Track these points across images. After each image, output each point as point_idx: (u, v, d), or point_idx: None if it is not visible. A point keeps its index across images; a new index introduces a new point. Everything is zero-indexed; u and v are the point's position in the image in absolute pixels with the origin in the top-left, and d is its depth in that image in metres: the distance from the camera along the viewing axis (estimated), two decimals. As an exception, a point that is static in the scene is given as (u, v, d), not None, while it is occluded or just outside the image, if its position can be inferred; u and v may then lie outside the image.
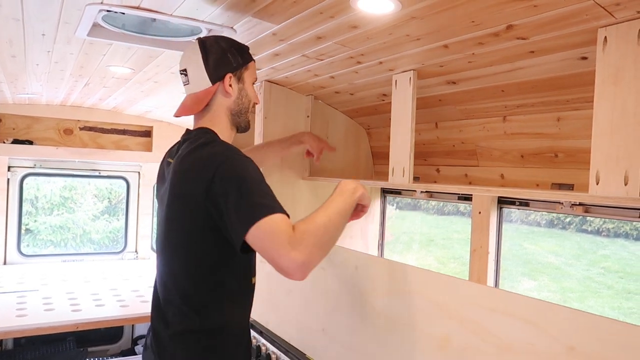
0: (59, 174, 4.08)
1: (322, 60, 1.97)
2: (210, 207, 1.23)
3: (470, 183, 2.23)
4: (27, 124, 3.79)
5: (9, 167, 3.76)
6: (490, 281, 2.07)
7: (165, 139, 3.92)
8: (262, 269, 2.34)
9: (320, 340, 1.83)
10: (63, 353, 3.10)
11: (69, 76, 2.66)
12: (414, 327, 1.43)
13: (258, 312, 2.28)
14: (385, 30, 1.55)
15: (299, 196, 2.65)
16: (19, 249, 3.85)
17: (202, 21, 1.64)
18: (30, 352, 3.04)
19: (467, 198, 2.27)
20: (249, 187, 1.21)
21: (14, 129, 3.74)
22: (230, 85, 1.42)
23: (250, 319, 2.29)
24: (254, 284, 1.49)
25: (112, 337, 3.64)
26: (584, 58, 1.44)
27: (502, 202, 2.08)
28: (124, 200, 4.30)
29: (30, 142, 3.75)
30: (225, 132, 1.45)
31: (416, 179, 2.44)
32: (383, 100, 2.37)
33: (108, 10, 1.55)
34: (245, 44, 1.51)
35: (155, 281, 1.46)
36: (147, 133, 4.21)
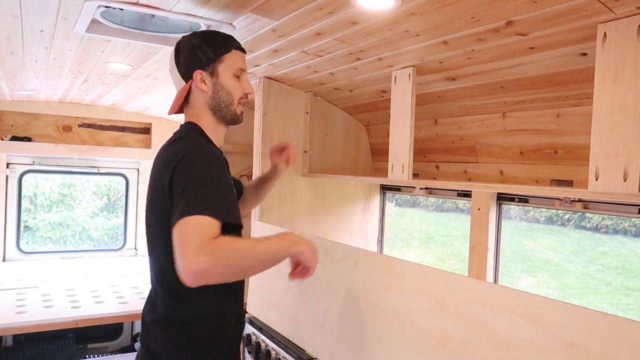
0: (58, 171, 4.07)
1: (321, 56, 1.97)
2: (171, 198, 1.26)
3: (469, 180, 2.23)
4: (26, 121, 3.78)
5: (7, 164, 3.75)
6: (490, 278, 2.07)
7: (164, 136, 3.88)
8: (262, 265, 2.34)
9: (320, 336, 1.83)
10: (63, 350, 3.10)
11: (68, 73, 2.65)
12: (414, 323, 1.44)
13: (257, 308, 2.28)
14: (385, 27, 1.55)
15: (299, 193, 2.65)
16: (18, 246, 3.84)
17: (201, 17, 1.63)
18: (30, 349, 3.04)
19: (466, 195, 2.28)
20: (197, 183, 1.22)
21: (12, 125, 3.73)
22: (203, 82, 1.40)
23: (250, 315, 2.30)
24: (237, 282, 1.47)
25: (111, 334, 3.64)
26: (584, 54, 1.44)
27: (502, 198, 2.08)
28: (123, 197, 4.30)
29: (29, 139, 3.74)
30: (210, 127, 1.44)
31: (415, 175, 2.44)
32: (382, 96, 2.36)
33: (106, 6, 1.55)
34: (227, 35, 1.48)
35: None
36: (146, 130, 4.20)
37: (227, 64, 1.41)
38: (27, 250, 3.94)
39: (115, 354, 3.50)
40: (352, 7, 1.41)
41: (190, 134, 1.39)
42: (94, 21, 1.70)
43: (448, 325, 1.33)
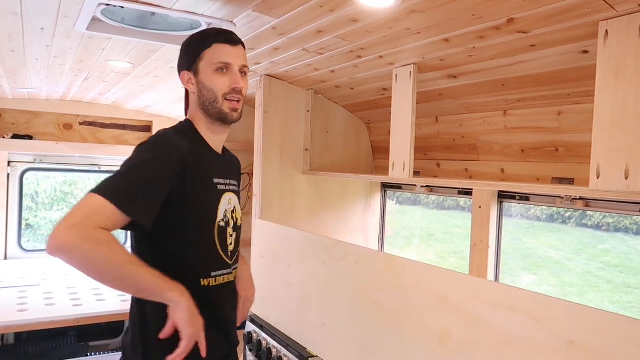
0: (59, 169, 4.07)
1: (322, 54, 1.96)
2: None
3: (470, 177, 2.23)
4: (27, 119, 3.78)
5: (9, 162, 3.76)
6: (491, 275, 2.07)
7: (165, 134, 3.91)
8: (261, 264, 2.35)
9: (321, 334, 1.83)
10: (64, 347, 3.10)
11: (69, 71, 2.65)
12: (414, 321, 1.44)
13: (259, 307, 2.29)
14: (386, 24, 1.54)
15: (300, 191, 2.65)
16: (19, 244, 3.85)
17: (202, 15, 1.63)
18: (32, 346, 3.04)
19: (467, 192, 2.27)
20: (123, 169, 1.20)
21: (13, 123, 3.74)
22: (190, 83, 1.38)
23: (251, 313, 2.30)
24: (209, 287, 1.34)
25: (113, 331, 3.64)
26: (585, 52, 1.43)
27: (503, 196, 2.08)
28: (124, 195, 4.30)
29: (30, 137, 3.74)
30: (204, 126, 1.40)
31: (416, 173, 2.44)
32: (383, 94, 2.36)
33: (107, 4, 1.54)
34: (215, 29, 1.40)
35: None
36: (147, 128, 4.20)
37: (207, 60, 1.34)
38: (28, 249, 3.94)
39: (117, 351, 3.51)
40: (353, 4, 1.41)
41: (171, 128, 1.37)
42: (94, 19, 1.70)
43: (449, 323, 1.33)
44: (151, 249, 1.30)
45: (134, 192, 1.16)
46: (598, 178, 1.28)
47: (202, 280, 1.33)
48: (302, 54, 2.00)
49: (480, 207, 2.09)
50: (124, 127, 4.12)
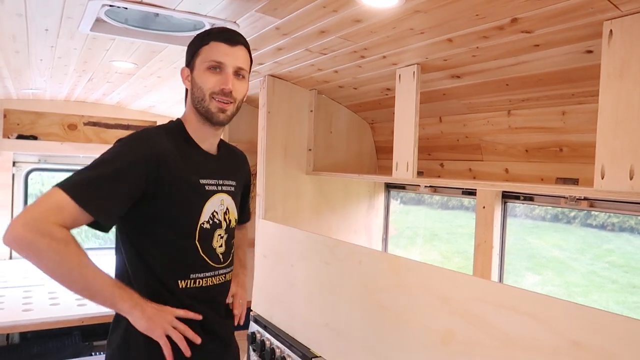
0: (64, 169, 4.09)
1: (325, 54, 1.96)
2: None
3: (474, 177, 2.22)
4: (32, 120, 3.80)
5: (14, 162, 3.78)
6: (495, 276, 2.07)
7: (169, 134, 3.92)
8: (265, 264, 2.35)
9: (324, 334, 1.83)
10: (69, 347, 3.12)
11: (73, 71, 2.66)
12: (418, 321, 1.43)
13: (262, 307, 2.29)
14: (389, 24, 1.54)
15: (303, 191, 2.65)
16: (24, 244, 3.87)
17: (205, 15, 1.64)
18: (37, 346, 3.06)
19: (471, 192, 2.27)
20: (94, 162, 1.19)
21: (18, 124, 3.76)
22: (187, 79, 1.36)
23: (254, 313, 2.30)
24: (188, 288, 1.31)
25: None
26: (589, 51, 1.43)
27: (507, 196, 2.07)
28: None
29: (35, 138, 3.76)
30: (193, 125, 1.36)
31: (420, 173, 2.44)
32: (387, 94, 2.36)
33: (111, 5, 1.55)
34: (218, 28, 1.39)
35: None
36: (151, 128, 4.21)
37: (202, 57, 1.31)
38: (33, 248, 3.96)
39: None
40: (356, 5, 1.41)
41: (156, 126, 1.35)
42: (98, 20, 1.71)
43: (452, 324, 1.32)
44: (128, 247, 1.29)
45: (98, 190, 1.14)
46: (602, 178, 1.28)
47: (179, 281, 1.30)
48: (306, 54, 2.00)
49: (484, 207, 2.08)
50: (128, 127, 4.14)
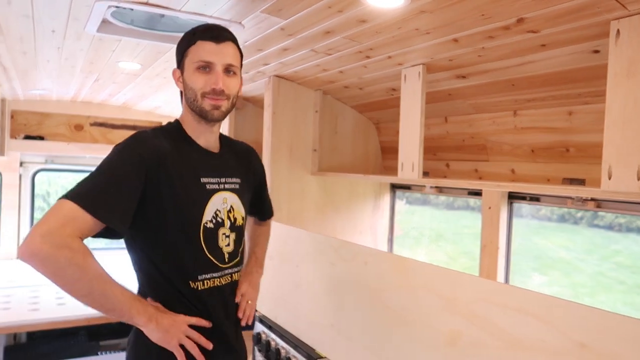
0: (70, 170, 4.11)
1: (330, 54, 1.96)
2: None
3: (480, 178, 2.22)
4: (38, 120, 3.82)
5: (21, 163, 3.80)
6: (501, 277, 2.06)
7: (175, 135, 3.93)
8: (270, 265, 2.35)
9: (330, 335, 1.83)
10: (76, 346, 3.14)
11: (79, 72, 2.68)
12: (424, 322, 1.43)
13: (267, 307, 2.29)
14: (394, 24, 1.54)
15: (308, 191, 2.65)
16: (31, 244, 3.89)
17: (210, 16, 1.64)
18: (44, 345, 3.08)
19: (477, 193, 2.26)
20: (96, 170, 1.18)
21: (25, 124, 3.78)
22: (179, 80, 1.36)
23: (259, 314, 2.30)
24: (197, 289, 1.30)
25: (123, 331, 3.67)
26: (596, 51, 1.42)
27: (513, 197, 2.06)
28: (134, 196, 4.33)
29: (42, 138, 3.78)
30: (190, 124, 1.36)
31: (425, 174, 2.43)
32: (392, 94, 2.35)
33: (117, 7, 1.56)
34: (204, 25, 1.34)
35: None
36: (156, 128, 4.23)
37: (190, 57, 1.30)
38: (40, 248, 3.98)
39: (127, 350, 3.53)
40: (362, 5, 1.41)
41: (153, 128, 1.35)
42: (104, 21, 1.72)
43: (458, 325, 1.32)
44: (134, 250, 1.30)
45: (105, 196, 1.14)
46: (609, 179, 1.27)
47: (190, 282, 1.30)
48: (311, 54, 2.00)
49: (490, 207, 2.07)
50: (134, 127, 4.15)
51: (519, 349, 1.16)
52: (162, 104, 3.68)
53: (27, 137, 3.72)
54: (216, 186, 1.36)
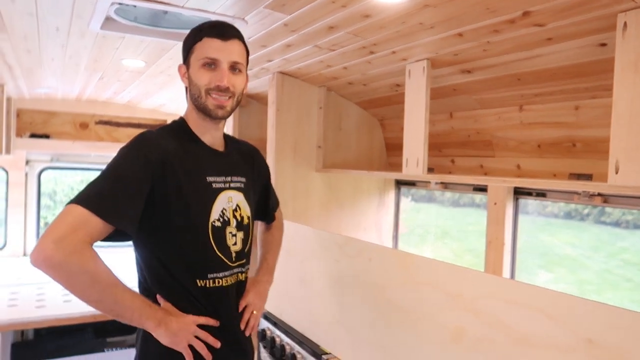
0: (76, 168, 4.13)
1: (334, 50, 1.95)
2: None
3: (485, 174, 2.20)
4: (44, 119, 3.83)
5: (27, 161, 3.82)
6: (506, 273, 2.05)
7: (180, 132, 3.94)
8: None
9: (335, 332, 1.83)
10: (82, 343, 3.15)
11: (84, 70, 2.68)
12: (429, 319, 1.42)
13: (272, 304, 2.29)
14: (398, 19, 1.53)
15: (313, 188, 2.65)
16: (38, 242, 3.91)
17: (214, 13, 1.63)
18: (51, 342, 3.09)
19: (482, 189, 2.25)
20: (102, 173, 1.19)
21: (30, 123, 3.79)
22: (184, 76, 1.35)
23: (265, 310, 2.30)
24: (206, 287, 1.31)
25: (129, 328, 3.67)
26: (603, 45, 1.40)
27: (519, 192, 2.05)
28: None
29: (47, 136, 3.80)
30: (194, 121, 1.36)
31: (430, 170, 2.42)
32: (396, 90, 2.34)
33: (120, 3, 1.55)
34: (210, 22, 1.35)
35: None
36: (161, 126, 4.23)
37: (196, 54, 1.30)
38: (46, 246, 4.00)
39: (133, 347, 3.55)
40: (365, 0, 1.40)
41: (158, 128, 1.34)
42: (108, 18, 1.72)
43: (464, 321, 1.31)
44: (142, 249, 1.30)
45: (113, 199, 1.14)
46: (617, 173, 1.26)
47: (198, 281, 1.30)
48: (315, 50, 1.99)
49: (495, 203, 2.06)
50: (139, 125, 4.16)
51: (525, 344, 1.15)
52: (167, 101, 3.69)
53: (33, 136, 3.74)
54: (222, 185, 1.36)
